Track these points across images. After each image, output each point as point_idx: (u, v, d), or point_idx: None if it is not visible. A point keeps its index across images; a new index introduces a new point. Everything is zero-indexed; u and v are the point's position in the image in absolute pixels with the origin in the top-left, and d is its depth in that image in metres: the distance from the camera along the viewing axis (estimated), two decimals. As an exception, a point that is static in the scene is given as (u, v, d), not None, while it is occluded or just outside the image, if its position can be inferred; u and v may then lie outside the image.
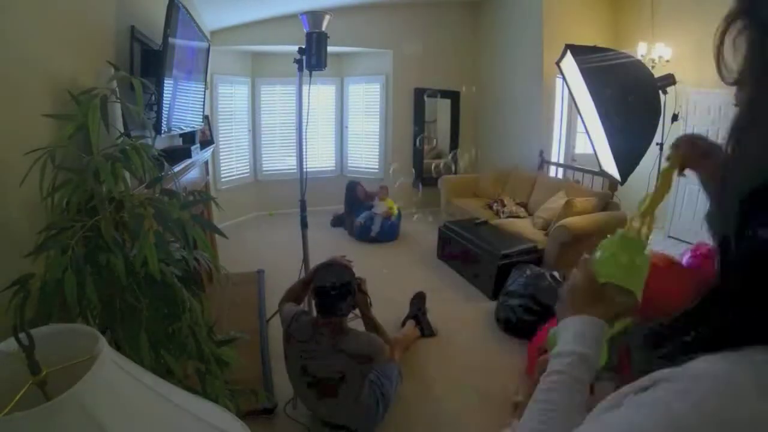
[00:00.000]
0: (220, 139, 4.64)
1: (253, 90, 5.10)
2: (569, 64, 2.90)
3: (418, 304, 2.75)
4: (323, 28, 2.16)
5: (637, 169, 2.55)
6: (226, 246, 2.48)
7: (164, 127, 1.79)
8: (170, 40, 1.73)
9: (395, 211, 4.46)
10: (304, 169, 2.32)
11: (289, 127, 5.28)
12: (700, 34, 3.77)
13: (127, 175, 1.03)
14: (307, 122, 2.29)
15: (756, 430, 0.26)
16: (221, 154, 4.71)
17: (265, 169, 5.32)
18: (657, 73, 2.77)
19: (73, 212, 0.97)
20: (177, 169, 1.95)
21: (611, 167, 2.72)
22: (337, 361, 1.69)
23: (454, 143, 5.59)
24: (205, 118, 3.28)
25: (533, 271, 2.73)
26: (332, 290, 1.72)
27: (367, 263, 3.36)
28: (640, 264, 0.60)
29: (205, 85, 2.69)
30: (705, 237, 2.72)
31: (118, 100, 1.14)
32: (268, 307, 2.80)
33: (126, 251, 0.98)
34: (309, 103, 2.23)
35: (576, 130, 4.85)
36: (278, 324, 1.93)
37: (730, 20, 0.34)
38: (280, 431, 1.86)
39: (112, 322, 0.97)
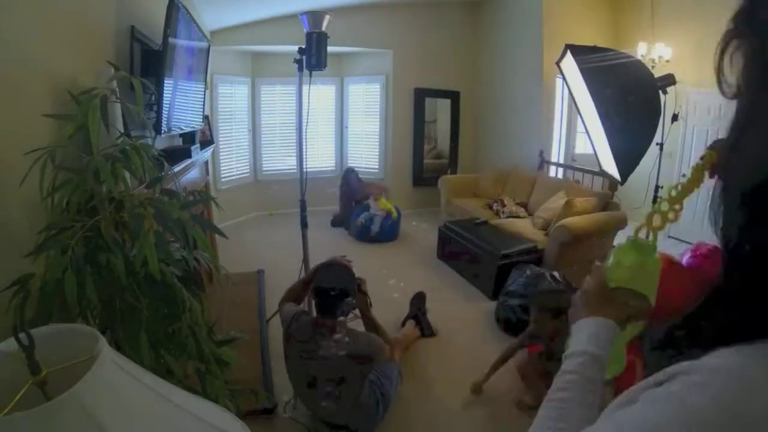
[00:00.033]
0: (220, 139, 4.64)
1: (253, 90, 5.09)
2: (569, 64, 2.90)
3: (418, 304, 2.74)
4: (323, 28, 2.16)
5: (637, 169, 2.55)
6: (226, 246, 2.48)
7: (164, 127, 1.80)
8: (170, 40, 1.74)
9: (394, 212, 4.46)
10: (304, 169, 2.32)
11: (289, 127, 5.28)
12: (700, 34, 3.78)
13: (127, 175, 1.03)
14: (307, 122, 2.30)
15: None
16: (221, 154, 4.71)
17: (265, 169, 5.33)
18: (657, 73, 2.77)
19: (73, 212, 0.97)
20: (177, 169, 1.95)
21: (611, 167, 2.72)
22: (337, 361, 1.69)
23: (454, 143, 5.59)
24: (205, 118, 3.28)
25: (533, 271, 2.74)
26: (332, 290, 1.72)
27: (367, 263, 3.37)
28: (650, 267, 0.61)
29: (205, 85, 2.69)
30: (705, 237, 2.73)
31: (118, 100, 1.14)
32: (268, 307, 2.80)
33: (126, 251, 0.99)
34: (309, 103, 2.23)
35: (576, 130, 4.84)
36: (278, 324, 1.93)
37: (728, 38, 0.34)
38: (280, 431, 1.86)
39: (112, 322, 0.97)
